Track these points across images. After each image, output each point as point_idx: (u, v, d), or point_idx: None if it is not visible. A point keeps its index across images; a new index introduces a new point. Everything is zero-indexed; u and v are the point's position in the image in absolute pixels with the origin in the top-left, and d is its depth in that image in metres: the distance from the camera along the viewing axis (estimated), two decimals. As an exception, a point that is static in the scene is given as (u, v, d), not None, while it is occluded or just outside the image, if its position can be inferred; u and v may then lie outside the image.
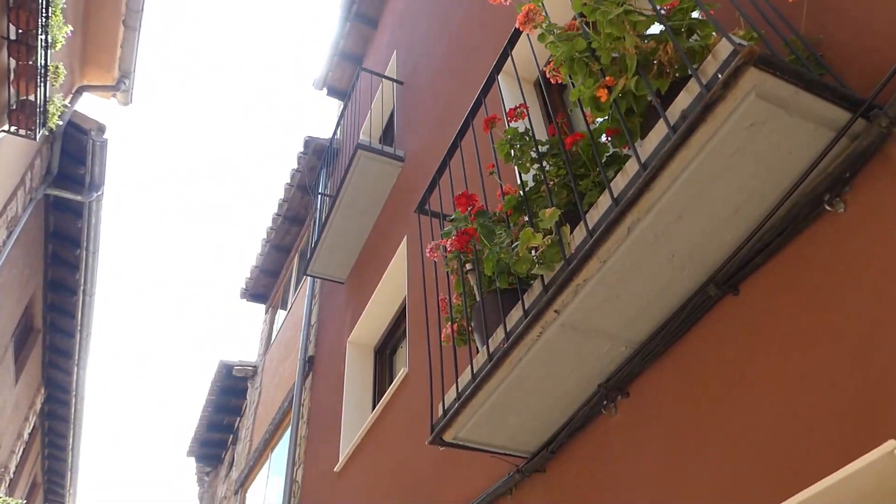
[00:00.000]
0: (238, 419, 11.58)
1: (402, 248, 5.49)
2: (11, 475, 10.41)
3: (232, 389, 11.26)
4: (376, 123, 8.05)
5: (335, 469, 5.47)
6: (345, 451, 5.43)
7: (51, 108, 6.60)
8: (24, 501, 8.69)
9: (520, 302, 2.27)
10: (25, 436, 10.89)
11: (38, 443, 12.76)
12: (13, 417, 9.97)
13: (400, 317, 5.98)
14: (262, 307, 12.06)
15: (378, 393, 6.00)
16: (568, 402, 2.49)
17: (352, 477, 5.15)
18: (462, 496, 3.29)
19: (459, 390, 2.54)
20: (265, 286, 11.62)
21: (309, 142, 9.81)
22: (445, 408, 2.61)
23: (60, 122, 7.11)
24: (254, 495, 8.80)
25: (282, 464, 7.63)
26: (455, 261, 2.92)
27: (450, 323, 2.87)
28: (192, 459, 12.94)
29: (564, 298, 2.08)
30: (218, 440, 12.14)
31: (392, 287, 5.79)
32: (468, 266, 2.84)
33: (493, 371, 2.33)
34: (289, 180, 10.14)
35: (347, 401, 5.86)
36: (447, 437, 2.63)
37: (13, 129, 6.41)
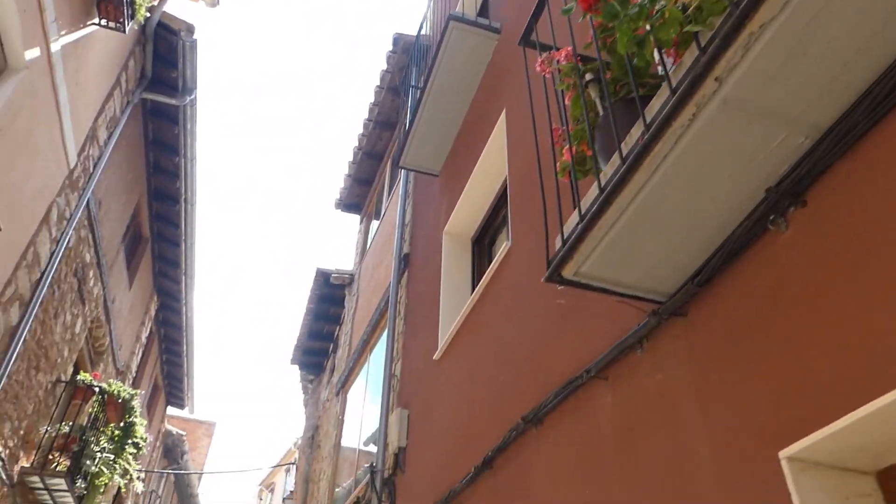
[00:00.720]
0: (337, 327, 11.75)
1: (501, 123, 5.02)
2: (134, 374, 11.10)
3: (330, 298, 11.38)
4: (469, 5, 7.45)
5: (434, 357, 5.26)
6: (444, 338, 5.20)
7: (138, 0, 6.46)
8: (143, 392, 9.20)
9: (665, 82, 1.79)
10: (143, 339, 11.53)
11: (156, 348, 13.56)
12: (130, 320, 10.52)
13: (499, 202, 5.58)
14: (356, 217, 12.01)
15: (476, 282, 5.70)
16: (722, 219, 2.01)
17: (452, 362, 4.92)
18: (577, 360, 2.92)
19: (583, 211, 2.11)
20: (359, 196, 11.51)
21: (398, 39, 9.36)
22: (565, 236, 2.20)
23: (148, 15, 6.99)
24: (354, 395, 8.91)
25: (380, 362, 7.59)
26: (571, 75, 2.45)
27: (567, 147, 2.42)
28: (296, 367, 13.40)
29: (730, 58, 1.58)
30: (319, 348, 12.43)
31: (490, 169, 5.37)
32: (588, 77, 2.36)
33: (629, 175, 1.88)
34: (379, 83, 9.78)
35: (445, 289, 5.60)
36: (567, 271, 2.22)
37: (103, 21, 6.34)
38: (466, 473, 3.91)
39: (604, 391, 2.69)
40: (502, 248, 4.24)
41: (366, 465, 7.44)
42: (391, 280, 7.38)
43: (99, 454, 8.09)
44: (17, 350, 6.06)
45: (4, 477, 6.61)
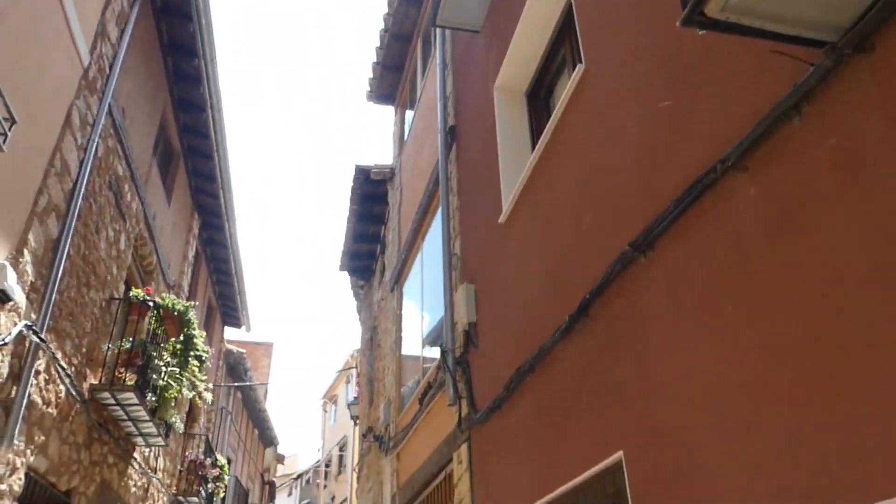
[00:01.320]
0: (383, 227, 11.40)
1: (553, -60, 4.32)
2: (186, 293, 11.02)
3: (372, 196, 10.96)
4: None
5: (500, 221, 4.81)
6: (509, 197, 4.72)
7: None
8: (195, 304, 9.07)
9: None
10: (190, 257, 11.38)
11: (205, 269, 13.46)
12: (174, 238, 10.32)
13: (556, 43, 4.94)
14: (390, 110, 11.40)
15: (535, 140, 5.15)
16: None
17: (523, 217, 4.46)
18: (700, 159, 2.40)
19: None
20: (391, 85, 10.84)
21: None
22: (709, -46, 1.64)
23: None
24: (410, 288, 8.62)
25: (434, 247, 7.21)
26: None
27: None
28: (346, 274, 13.22)
29: None
30: (367, 251, 12.15)
31: (543, 4, 4.70)
32: None
33: None
34: (399, -50, 8.92)
35: (503, 147, 5.07)
36: (710, 8, 1.68)
37: None
38: (557, 326, 3.52)
39: (743, 185, 2.18)
40: (575, 72, 3.66)
41: (427, 366, 7.21)
42: (438, 158, 6.87)
43: (164, 367, 8.05)
44: (63, 265, 5.83)
45: (75, 393, 6.56)
